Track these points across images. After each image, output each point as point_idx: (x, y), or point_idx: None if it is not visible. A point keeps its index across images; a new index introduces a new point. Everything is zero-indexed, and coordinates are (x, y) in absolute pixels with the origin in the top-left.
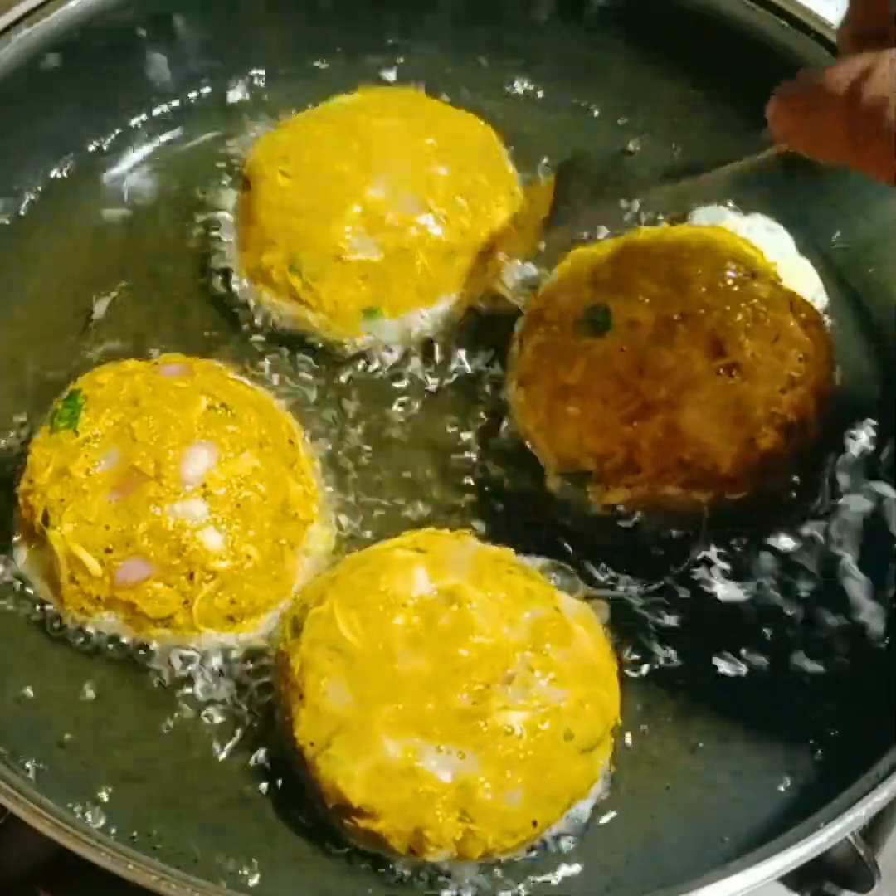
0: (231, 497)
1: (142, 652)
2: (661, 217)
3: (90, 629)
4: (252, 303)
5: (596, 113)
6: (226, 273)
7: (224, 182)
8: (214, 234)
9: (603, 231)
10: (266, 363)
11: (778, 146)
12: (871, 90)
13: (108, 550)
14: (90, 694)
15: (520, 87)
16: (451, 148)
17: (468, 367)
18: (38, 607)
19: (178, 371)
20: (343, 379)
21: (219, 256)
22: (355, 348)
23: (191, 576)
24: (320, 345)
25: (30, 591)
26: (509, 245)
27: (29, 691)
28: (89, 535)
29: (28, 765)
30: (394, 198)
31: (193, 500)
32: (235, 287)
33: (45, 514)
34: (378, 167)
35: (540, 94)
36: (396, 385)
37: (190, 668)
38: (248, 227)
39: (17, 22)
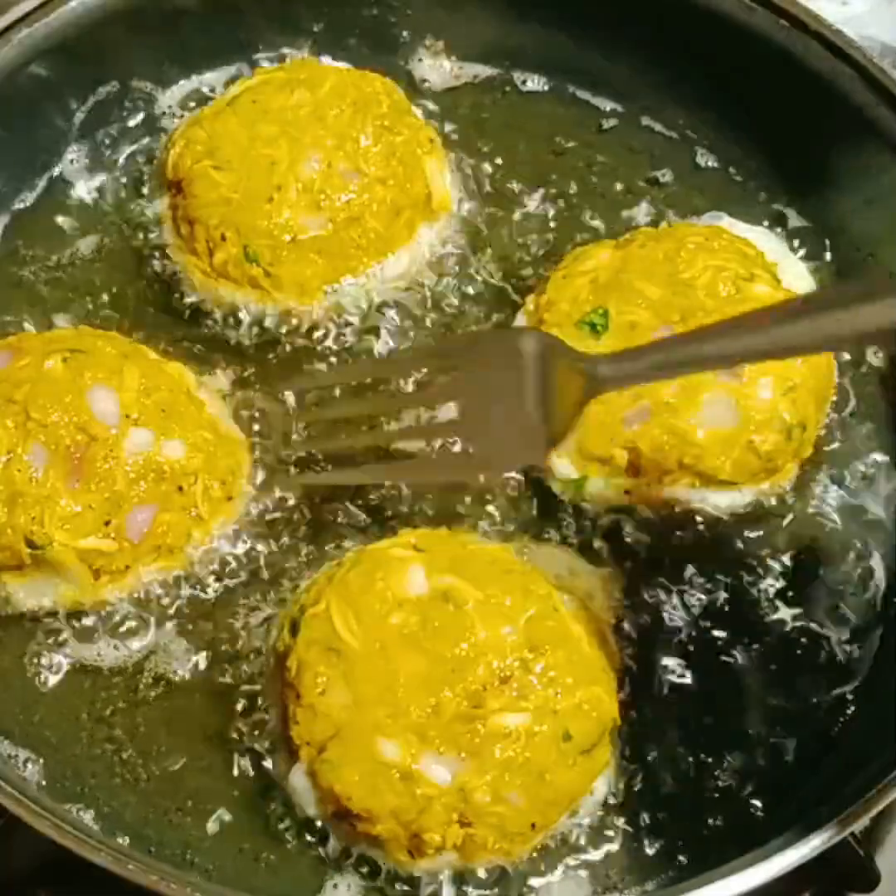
0: (154, 404)
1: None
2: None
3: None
4: (211, 302)
5: (593, 107)
6: (174, 279)
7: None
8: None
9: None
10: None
11: None
12: None
13: (106, 523)
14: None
15: (520, 81)
16: (364, 110)
17: None
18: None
19: (8, 356)
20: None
21: (162, 265)
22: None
23: (180, 489)
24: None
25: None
26: None
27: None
28: (81, 526)
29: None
30: (330, 171)
31: (131, 432)
32: (189, 292)
33: (28, 542)
34: (306, 143)
35: (541, 87)
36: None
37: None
38: (190, 228)
39: (18, 22)
